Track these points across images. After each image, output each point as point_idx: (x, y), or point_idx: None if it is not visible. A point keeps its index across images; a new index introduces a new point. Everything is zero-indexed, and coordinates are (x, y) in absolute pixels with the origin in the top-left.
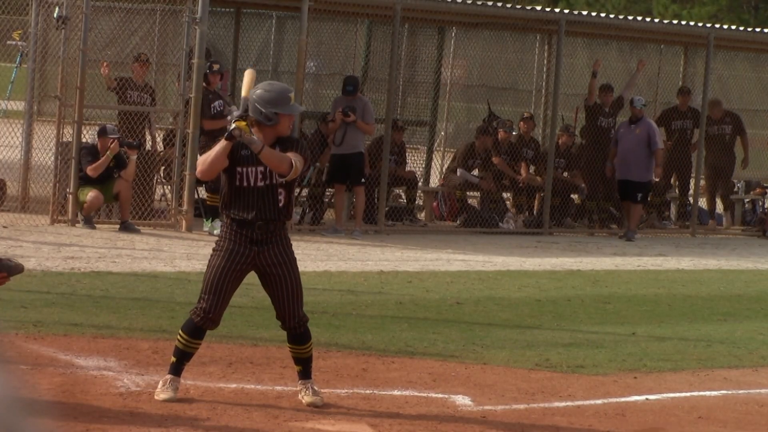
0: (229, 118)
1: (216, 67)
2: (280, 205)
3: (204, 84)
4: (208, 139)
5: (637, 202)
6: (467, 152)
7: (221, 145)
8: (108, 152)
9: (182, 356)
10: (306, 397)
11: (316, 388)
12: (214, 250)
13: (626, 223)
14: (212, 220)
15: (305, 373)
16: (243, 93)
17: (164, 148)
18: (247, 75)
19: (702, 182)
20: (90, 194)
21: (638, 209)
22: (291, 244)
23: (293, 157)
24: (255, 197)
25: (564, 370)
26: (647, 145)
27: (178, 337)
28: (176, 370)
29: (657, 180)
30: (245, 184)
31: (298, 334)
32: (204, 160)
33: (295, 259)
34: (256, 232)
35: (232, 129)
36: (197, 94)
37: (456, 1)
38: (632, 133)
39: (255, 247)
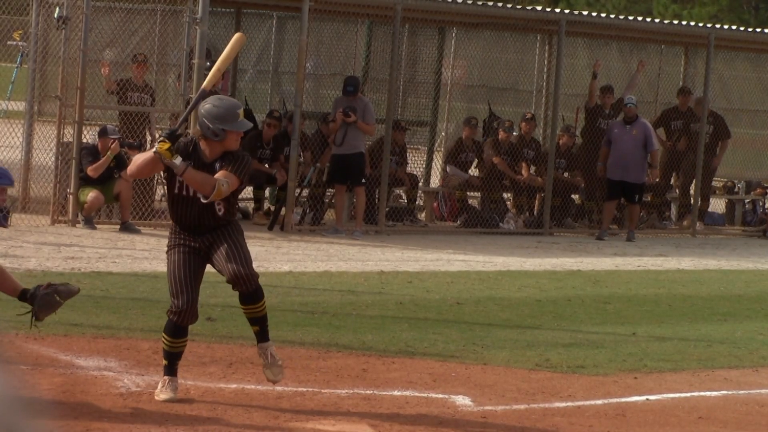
0: (159, 137)
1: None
2: (220, 213)
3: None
4: None
5: (635, 203)
6: (456, 147)
7: (149, 156)
8: (109, 152)
9: (171, 357)
10: (267, 372)
11: (275, 354)
12: (167, 250)
13: (626, 224)
14: None
15: (263, 334)
16: (218, 62)
17: None
18: (234, 40)
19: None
20: (90, 195)
21: (637, 209)
22: (237, 228)
23: (223, 176)
24: (193, 207)
25: (564, 370)
26: (644, 146)
27: (162, 339)
28: (170, 371)
29: (655, 181)
30: (183, 193)
31: (249, 291)
32: (136, 160)
33: (239, 231)
34: (198, 239)
35: (154, 152)
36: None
37: (456, 1)
38: (629, 135)
39: (199, 244)
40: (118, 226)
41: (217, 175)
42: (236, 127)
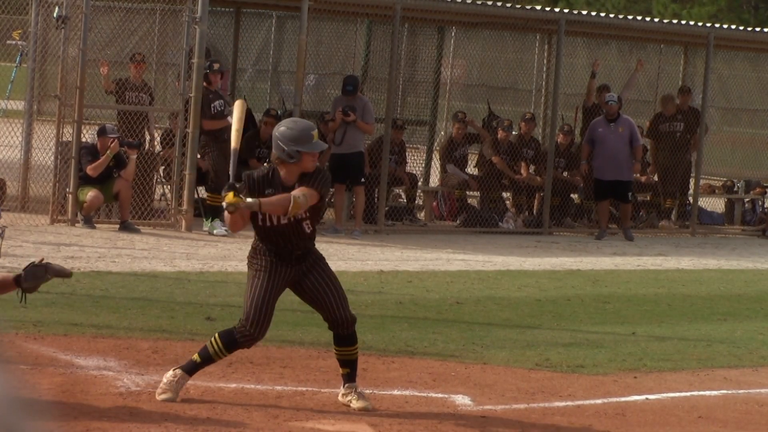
0: (223, 193)
1: (216, 66)
2: (308, 232)
3: (205, 83)
4: (208, 139)
5: (629, 202)
6: (448, 145)
7: (228, 217)
8: (108, 152)
9: (208, 362)
10: (355, 402)
11: (362, 391)
12: (253, 269)
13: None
14: (212, 220)
15: (351, 376)
16: (234, 125)
17: (163, 148)
18: (238, 106)
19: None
20: (90, 194)
21: (630, 208)
22: (323, 258)
23: (298, 192)
24: (281, 233)
25: (564, 369)
26: (629, 143)
27: (213, 342)
28: (193, 370)
29: (638, 176)
30: (268, 224)
31: (346, 335)
32: (227, 219)
33: (328, 264)
34: (292, 257)
35: (226, 207)
36: (197, 94)
37: (456, 1)
38: (615, 133)
39: (293, 263)
40: (117, 226)
41: (292, 192)
42: (311, 148)
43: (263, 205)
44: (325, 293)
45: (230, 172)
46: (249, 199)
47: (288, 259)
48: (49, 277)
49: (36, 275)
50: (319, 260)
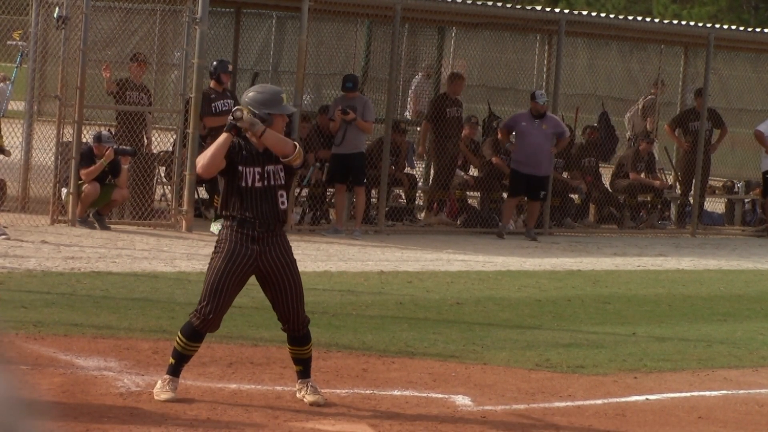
0: (232, 112)
1: (230, 67)
2: (282, 207)
3: (215, 83)
4: (212, 140)
5: (539, 200)
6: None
7: (222, 137)
8: (102, 159)
9: (180, 358)
10: (308, 396)
11: (316, 386)
12: (214, 252)
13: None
14: (216, 219)
15: (305, 373)
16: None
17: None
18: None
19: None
20: (86, 186)
21: (539, 206)
22: (290, 246)
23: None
24: (254, 197)
25: (564, 370)
26: (552, 141)
27: (177, 339)
28: (175, 371)
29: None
30: (243, 183)
31: (299, 336)
32: (204, 155)
33: (295, 261)
34: (256, 230)
35: (235, 110)
36: (197, 94)
37: (456, 1)
38: (538, 129)
39: (256, 247)
40: (118, 226)
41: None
42: (282, 110)
43: (268, 133)
44: (286, 295)
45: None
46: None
47: (250, 233)
48: None
49: None
50: (288, 254)
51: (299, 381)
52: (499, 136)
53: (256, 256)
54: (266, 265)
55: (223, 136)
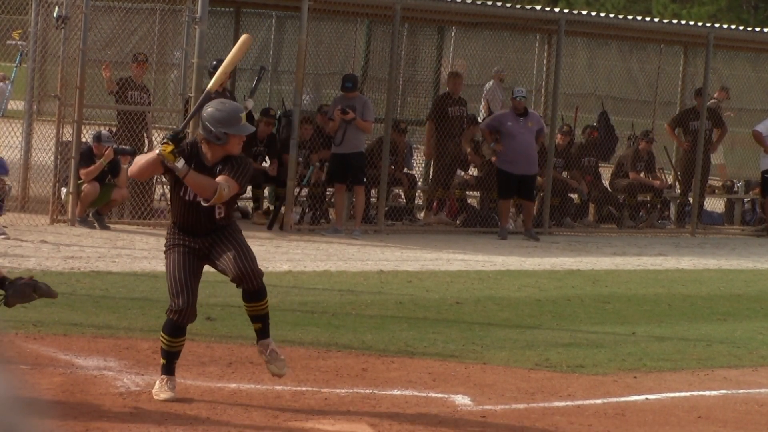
0: (163, 138)
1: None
2: (219, 217)
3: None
4: None
5: (532, 200)
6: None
7: (151, 158)
8: (102, 159)
9: (170, 356)
10: (271, 367)
11: (277, 351)
12: (165, 252)
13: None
14: None
15: (264, 332)
16: (225, 61)
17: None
18: (240, 41)
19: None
20: (85, 186)
21: (533, 206)
22: (236, 228)
23: (224, 181)
24: (192, 209)
25: (564, 369)
26: (536, 138)
27: (161, 339)
28: (168, 370)
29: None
30: (187, 198)
31: (254, 290)
32: (138, 162)
33: (238, 230)
34: (196, 237)
35: (157, 153)
36: (197, 94)
37: (456, 1)
38: (525, 127)
39: (197, 246)
40: (118, 225)
41: (218, 179)
42: (238, 131)
43: (188, 178)
44: (228, 250)
45: (184, 120)
46: (181, 162)
47: (194, 234)
48: (35, 297)
49: (25, 295)
50: (226, 229)
51: (259, 342)
52: (483, 136)
53: (202, 248)
54: (212, 247)
55: (152, 156)
